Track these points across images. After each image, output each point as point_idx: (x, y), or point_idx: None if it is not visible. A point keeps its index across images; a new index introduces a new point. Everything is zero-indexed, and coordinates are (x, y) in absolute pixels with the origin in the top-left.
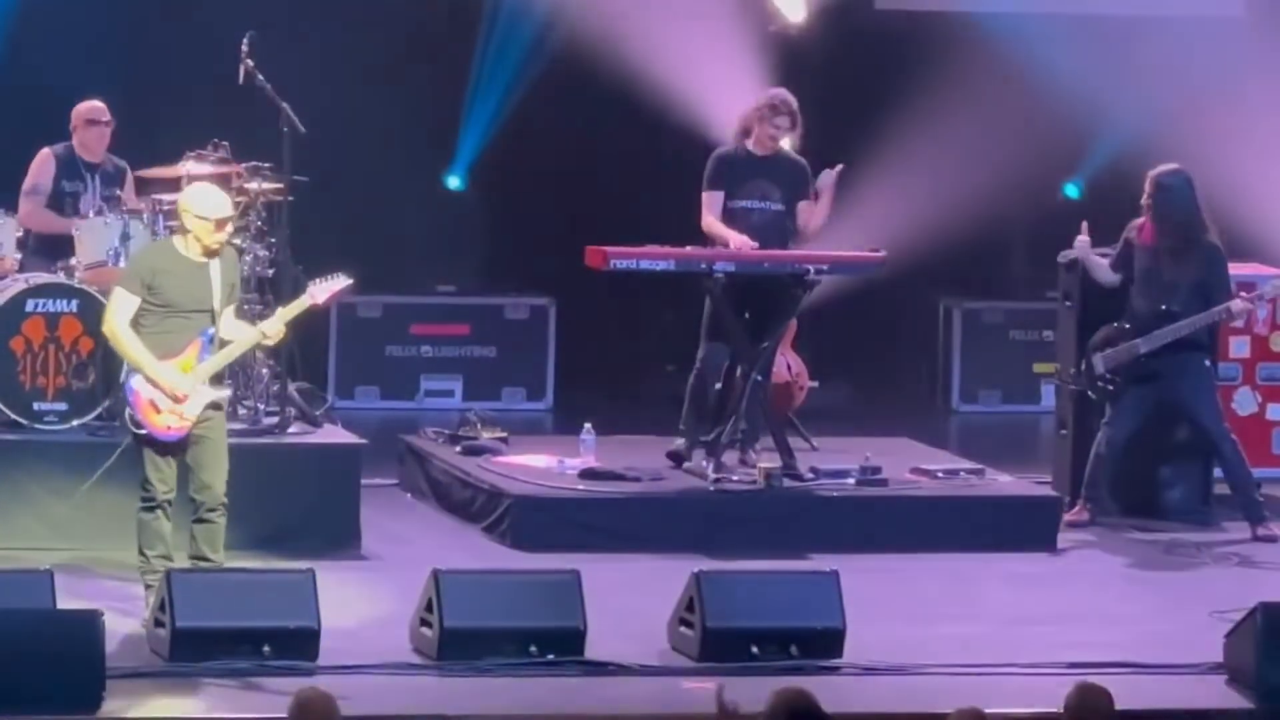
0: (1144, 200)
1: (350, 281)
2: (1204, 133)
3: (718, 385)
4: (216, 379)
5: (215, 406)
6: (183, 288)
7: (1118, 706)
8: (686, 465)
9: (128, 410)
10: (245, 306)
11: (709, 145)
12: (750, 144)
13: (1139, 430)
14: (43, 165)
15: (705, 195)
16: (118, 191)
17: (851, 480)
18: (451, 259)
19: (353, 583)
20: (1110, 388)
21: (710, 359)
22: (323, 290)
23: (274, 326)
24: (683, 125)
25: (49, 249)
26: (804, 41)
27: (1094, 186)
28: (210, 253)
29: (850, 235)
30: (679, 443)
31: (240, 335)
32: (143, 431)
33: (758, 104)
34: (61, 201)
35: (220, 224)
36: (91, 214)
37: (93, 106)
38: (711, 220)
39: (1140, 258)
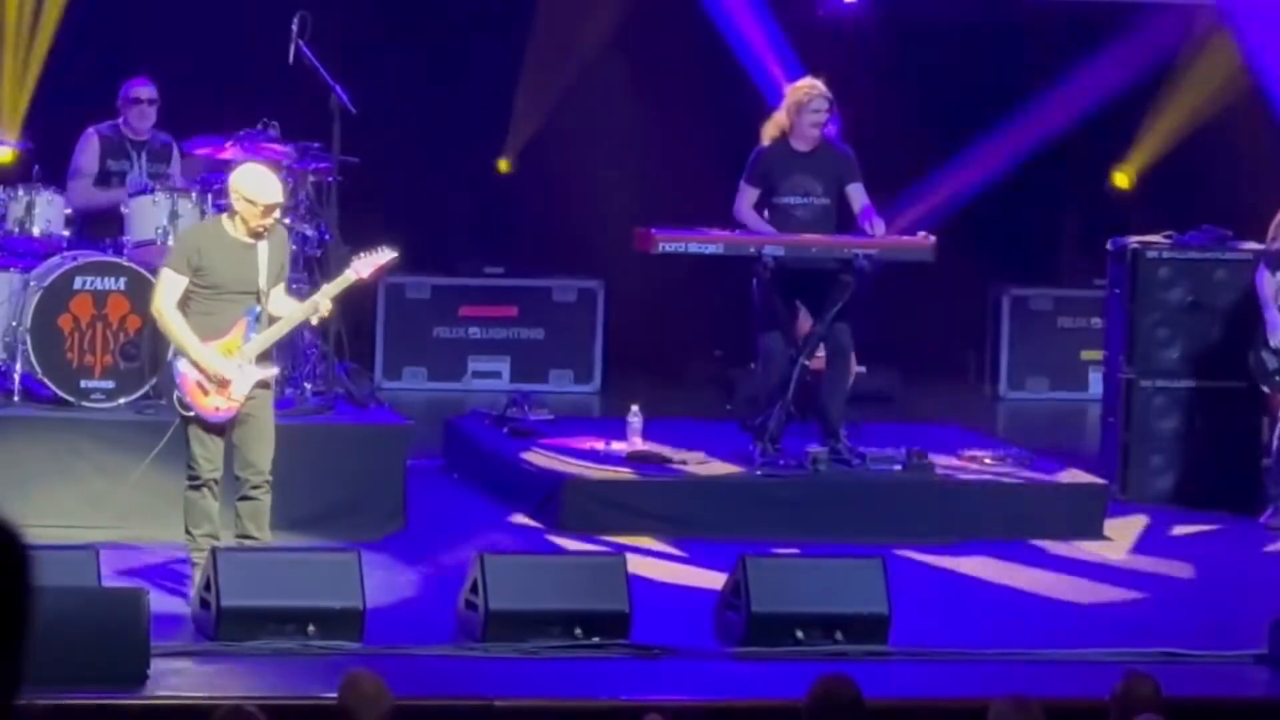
0: None
1: (395, 255)
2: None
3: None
4: (264, 357)
5: (263, 385)
6: (229, 269)
7: (1165, 695)
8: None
9: (175, 392)
10: (294, 286)
11: (758, 130)
12: (792, 139)
13: None
14: (86, 146)
15: (740, 186)
16: (165, 169)
17: (899, 466)
18: (500, 241)
19: (398, 564)
20: None
21: (771, 350)
22: (367, 264)
23: (324, 301)
24: (733, 109)
25: (97, 227)
26: (855, 26)
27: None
28: (255, 235)
29: (900, 221)
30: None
31: (289, 311)
32: (190, 413)
33: (790, 98)
34: (108, 181)
35: (268, 209)
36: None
37: (137, 84)
38: (741, 209)
39: None
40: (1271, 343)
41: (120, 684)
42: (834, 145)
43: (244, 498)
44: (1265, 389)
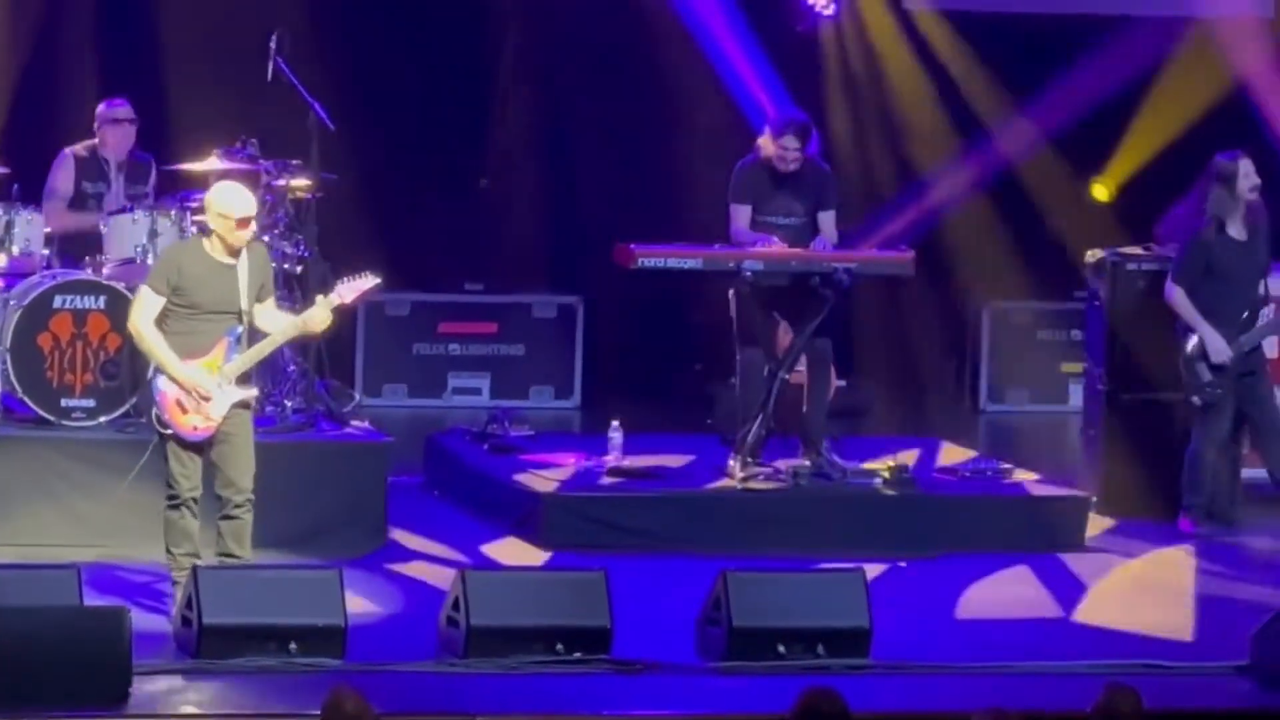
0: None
1: (378, 281)
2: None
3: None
4: (244, 378)
5: (242, 405)
6: (209, 289)
7: (1146, 707)
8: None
9: (154, 410)
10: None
11: (737, 145)
12: (774, 160)
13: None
14: (61, 167)
15: (732, 208)
16: (144, 188)
17: (879, 480)
18: (479, 257)
19: (380, 580)
20: (1219, 390)
21: (751, 365)
22: (350, 289)
23: (322, 314)
24: (712, 124)
25: (76, 246)
26: (831, 40)
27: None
28: (233, 251)
29: (880, 235)
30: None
31: (280, 325)
32: (169, 431)
33: (769, 128)
34: (84, 203)
35: (242, 222)
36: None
37: (115, 105)
38: (739, 229)
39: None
40: (1213, 359)
41: (102, 703)
42: (816, 165)
43: (226, 516)
44: (1197, 400)
